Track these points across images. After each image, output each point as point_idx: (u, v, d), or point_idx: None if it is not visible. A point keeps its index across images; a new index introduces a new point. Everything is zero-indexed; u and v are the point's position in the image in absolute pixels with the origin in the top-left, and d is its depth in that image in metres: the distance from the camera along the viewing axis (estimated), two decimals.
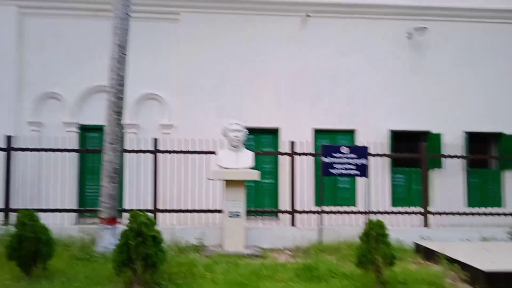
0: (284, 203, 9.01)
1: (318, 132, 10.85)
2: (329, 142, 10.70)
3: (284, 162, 9.01)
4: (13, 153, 8.49)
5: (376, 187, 9.11)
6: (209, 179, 8.34)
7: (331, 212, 8.80)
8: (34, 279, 5.44)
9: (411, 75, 11.07)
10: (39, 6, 10.64)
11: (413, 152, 9.30)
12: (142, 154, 8.78)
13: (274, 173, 10.57)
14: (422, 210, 8.96)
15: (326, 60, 10.89)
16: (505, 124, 10.97)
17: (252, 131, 9.91)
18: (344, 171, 8.34)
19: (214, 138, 8.65)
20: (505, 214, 9.34)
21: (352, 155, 8.34)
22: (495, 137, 11.25)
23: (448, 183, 9.34)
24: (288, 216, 8.75)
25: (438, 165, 10.17)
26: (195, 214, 8.65)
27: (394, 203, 9.63)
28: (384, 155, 9.18)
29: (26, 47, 10.60)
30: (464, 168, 10.53)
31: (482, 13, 11.18)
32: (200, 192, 8.70)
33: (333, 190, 9.26)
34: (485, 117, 11.00)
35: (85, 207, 9.46)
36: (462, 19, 11.19)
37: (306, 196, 8.98)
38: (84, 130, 10.60)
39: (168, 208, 8.62)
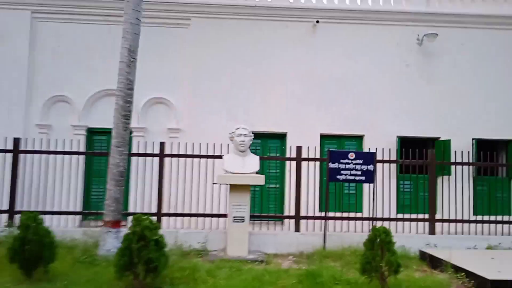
0: (289, 208, 8.96)
1: (326, 137, 10.82)
2: (337, 147, 10.68)
3: (290, 167, 8.96)
4: (20, 155, 8.54)
5: (382, 194, 9.03)
6: (214, 183, 8.33)
7: (336, 218, 8.73)
8: (36, 282, 5.46)
9: (420, 81, 11.01)
10: (52, 11, 10.79)
11: (420, 159, 9.22)
12: (148, 158, 8.79)
13: (280, 178, 10.54)
14: (428, 217, 8.86)
15: (335, 65, 10.87)
16: None
17: (259, 135, 9.93)
18: (350, 177, 8.28)
19: (222, 142, 8.65)
20: None
21: (359, 161, 8.28)
22: (505, 145, 11.13)
23: (456, 191, 9.22)
24: (292, 221, 8.70)
25: (446, 172, 10.07)
26: (199, 218, 8.63)
27: (400, 210, 9.54)
28: (392, 161, 9.09)
29: (37, 51, 10.75)
30: (472, 176, 10.42)
31: (493, 20, 11.10)
32: (205, 196, 8.69)
33: (338, 195, 9.19)
34: (494, 125, 10.89)
35: (90, 209, 9.50)
36: (472, 26, 11.11)
37: (311, 201, 8.92)
38: (92, 133, 10.68)
39: (172, 211, 8.61)
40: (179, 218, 8.70)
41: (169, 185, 8.68)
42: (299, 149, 8.82)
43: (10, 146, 8.48)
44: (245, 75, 10.78)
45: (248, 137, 7.74)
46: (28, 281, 5.47)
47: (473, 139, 10.76)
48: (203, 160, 8.84)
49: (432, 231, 8.73)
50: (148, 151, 8.88)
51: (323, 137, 10.78)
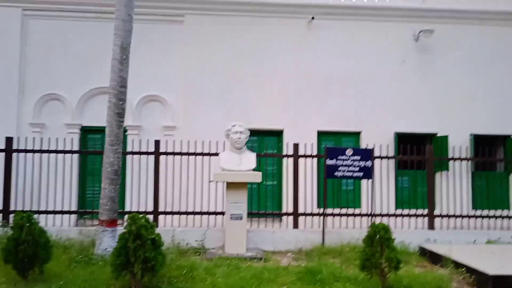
0: (287, 205, 8.88)
1: (323, 134, 10.77)
2: (334, 144, 10.62)
3: (287, 164, 8.89)
4: (14, 154, 8.42)
5: (380, 189, 8.98)
6: (211, 181, 8.25)
7: (335, 214, 8.67)
8: (31, 282, 5.36)
9: (417, 77, 10.97)
10: (43, 8, 10.66)
11: (418, 155, 9.18)
12: (143, 156, 8.69)
13: (277, 175, 10.48)
14: (427, 212, 8.82)
15: (331, 62, 10.81)
16: None
17: (256, 132, 9.85)
18: (348, 174, 8.22)
19: (218, 139, 8.56)
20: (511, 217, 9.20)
21: (357, 157, 8.22)
22: (502, 140, 11.11)
23: (454, 186, 9.19)
24: (290, 218, 8.63)
25: (444, 167, 10.04)
26: (197, 216, 8.55)
27: (399, 206, 9.49)
28: (390, 157, 9.04)
29: (29, 49, 10.62)
30: (471, 171, 10.40)
31: (489, 16, 11.08)
32: (202, 194, 8.60)
33: (337, 192, 9.13)
34: (492, 120, 10.89)
35: (86, 209, 9.40)
36: (469, 22, 11.10)
37: (309, 198, 8.85)
38: (86, 131, 10.57)
39: (169, 210, 8.52)
40: (176, 216, 8.60)
41: (165, 183, 8.57)
42: (296, 146, 8.74)
43: (2, 146, 8.35)
44: (241, 71, 10.69)
45: (244, 134, 7.67)
46: (23, 282, 5.36)
47: (470, 134, 10.73)
48: (199, 158, 8.75)
49: (431, 227, 8.69)
50: (143, 149, 8.77)
51: (320, 133, 10.72)
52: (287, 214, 8.75)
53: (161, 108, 10.74)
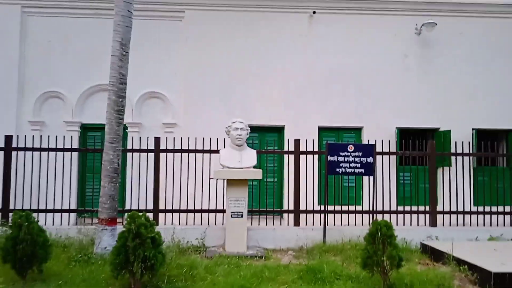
0: (288, 202, 8.83)
1: (324, 130, 10.71)
2: (335, 140, 10.56)
3: (288, 161, 8.83)
4: (13, 153, 8.38)
5: (382, 186, 8.92)
6: (211, 178, 8.20)
7: (336, 211, 8.62)
8: (30, 282, 5.32)
9: (419, 71, 10.89)
10: (42, 5, 10.61)
11: (420, 150, 9.11)
12: (143, 154, 8.65)
13: (278, 172, 10.42)
14: (429, 209, 8.76)
15: (332, 57, 10.74)
16: None
17: (256, 129, 9.80)
18: (349, 170, 8.16)
19: (218, 136, 8.52)
20: None
21: (358, 153, 8.16)
22: (505, 135, 11.03)
23: (456, 182, 9.11)
24: (291, 215, 8.58)
25: (446, 163, 9.96)
26: (197, 214, 8.50)
27: (400, 202, 9.43)
28: (392, 153, 8.98)
29: (29, 46, 10.58)
30: (473, 166, 10.33)
31: (492, 8, 10.97)
32: (202, 192, 8.55)
33: (338, 189, 9.06)
34: (494, 114, 10.81)
35: (85, 207, 9.36)
36: (472, 15, 10.99)
37: (310, 195, 8.79)
38: (86, 129, 10.53)
39: (169, 208, 8.48)
40: (176, 214, 8.56)
41: (165, 181, 8.53)
42: (297, 142, 8.68)
43: (1, 144, 8.31)
44: (242, 67, 10.62)
45: (244, 131, 7.60)
46: (21, 281, 5.33)
47: (473, 129, 10.66)
48: (199, 155, 8.70)
49: (433, 223, 8.64)
50: (143, 147, 8.72)
51: (321, 129, 10.66)
52: (288, 211, 8.70)
53: (161, 105, 10.69)
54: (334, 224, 8.61)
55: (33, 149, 8.31)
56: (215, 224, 8.45)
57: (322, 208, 8.47)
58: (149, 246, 5.11)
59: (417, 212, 8.78)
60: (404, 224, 8.69)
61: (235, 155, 7.56)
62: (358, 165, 8.16)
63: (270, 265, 6.46)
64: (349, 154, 8.16)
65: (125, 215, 7.42)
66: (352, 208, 8.75)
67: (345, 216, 8.73)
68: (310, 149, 8.93)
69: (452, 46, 10.94)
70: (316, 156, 9.11)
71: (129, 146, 9.37)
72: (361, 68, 10.74)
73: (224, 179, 7.72)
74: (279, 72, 10.67)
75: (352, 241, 7.71)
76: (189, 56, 10.64)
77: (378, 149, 8.87)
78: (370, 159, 8.17)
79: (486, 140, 9.89)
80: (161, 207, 8.46)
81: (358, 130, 10.83)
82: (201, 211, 8.44)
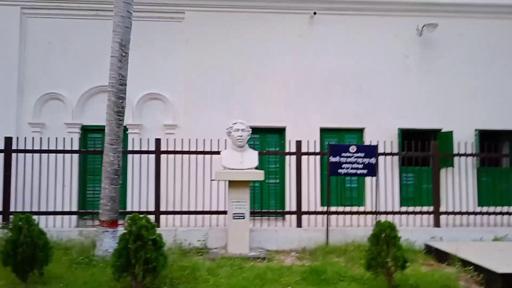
0: (290, 203, 8.77)
1: (325, 131, 10.64)
2: (337, 141, 10.49)
3: (290, 162, 8.77)
4: (13, 155, 8.32)
5: (385, 187, 8.86)
6: (212, 180, 8.14)
7: (339, 212, 8.56)
8: (30, 285, 5.27)
9: (421, 72, 10.83)
10: (42, 6, 10.53)
11: (423, 151, 9.06)
12: (144, 155, 8.59)
13: (280, 173, 10.35)
14: (433, 209, 8.70)
15: (333, 58, 10.67)
16: None
17: (257, 130, 9.73)
18: (352, 171, 8.10)
19: (220, 137, 8.46)
20: None
21: (360, 154, 8.11)
22: (507, 135, 10.97)
23: (460, 182, 9.05)
24: (294, 217, 8.52)
25: (449, 163, 9.90)
26: (199, 215, 8.44)
27: (404, 203, 9.37)
28: (394, 154, 8.92)
29: (28, 48, 10.51)
30: (476, 167, 10.26)
31: (493, 9, 10.91)
32: (204, 193, 8.49)
33: (340, 189, 9.01)
34: (497, 115, 10.73)
35: (87, 209, 9.30)
36: (473, 15, 10.91)
37: (312, 196, 8.74)
38: (87, 131, 10.47)
39: (171, 209, 8.42)
40: (178, 216, 8.50)
41: (166, 182, 8.47)
42: (298, 143, 8.62)
43: (1, 146, 8.25)
44: (242, 68, 10.57)
45: (246, 132, 7.54)
46: (22, 284, 5.27)
47: (475, 130, 10.59)
48: (200, 156, 8.63)
49: (437, 224, 8.57)
50: (144, 148, 8.67)
51: (323, 130, 10.59)
52: (290, 212, 8.64)
53: (162, 106, 10.62)
54: (337, 225, 8.55)
55: (33, 151, 8.26)
56: (217, 225, 8.38)
57: (325, 209, 8.41)
58: (150, 248, 5.06)
59: (421, 213, 8.72)
60: (407, 225, 8.63)
61: (236, 156, 7.51)
62: (361, 166, 8.11)
63: (273, 266, 6.41)
64: (351, 155, 8.11)
65: (126, 217, 7.36)
66: (354, 209, 8.70)
67: (347, 217, 8.67)
68: (311, 150, 8.87)
69: (454, 47, 10.88)
70: (318, 157, 9.06)
71: (129, 148, 9.30)
72: (362, 68, 10.68)
73: (225, 181, 7.65)
74: (280, 73, 10.62)
75: (355, 242, 7.65)
76: (189, 57, 10.59)
77: (380, 150, 8.81)
78: (373, 160, 8.12)
79: (489, 141, 9.82)
80: (163, 208, 8.40)
81: (359, 131, 10.77)
82: (203, 212, 8.38)
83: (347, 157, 8.10)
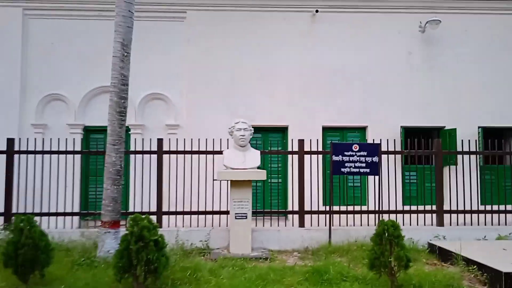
0: (292, 203, 8.74)
1: (328, 130, 10.62)
2: (339, 139, 10.46)
3: (292, 161, 8.73)
4: (15, 156, 8.32)
5: (388, 186, 8.81)
6: (214, 180, 8.12)
7: (341, 212, 8.52)
8: (32, 287, 5.25)
9: (424, 69, 10.79)
10: (44, 7, 10.57)
11: (426, 149, 9.00)
12: (146, 155, 8.57)
13: (282, 172, 10.33)
14: (436, 208, 8.64)
15: (335, 56, 10.65)
16: None
17: (260, 129, 9.71)
18: (354, 170, 8.06)
19: (222, 137, 8.44)
20: None
21: (363, 153, 8.06)
22: (511, 132, 10.89)
23: (462, 180, 8.99)
24: (296, 216, 8.49)
25: (452, 162, 9.84)
26: (201, 216, 8.42)
27: (406, 202, 9.31)
28: (397, 152, 8.87)
29: (31, 49, 10.54)
30: (479, 165, 10.20)
31: (497, 5, 10.87)
32: (206, 193, 8.46)
33: (343, 189, 8.96)
34: (500, 112, 10.68)
35: (88, 210, 9.30)
36: (476, 12, 10.88)
37: (315, 195, 8.70)
38: (89, 131, 10.47)
39: (173, 210, 8.40)
40: (179, 216, 8.49)
41: (168, 183, 8.45)
42: (301, 142, 8.58)
43: (4, 147, 8.25)
44: (244, 68, 10.55)
45: (248, 131, 7.52)
46: (23, 286, 5.26)
47: (479, 127, 10.52)
48: (202, 156, 8.61)
49: (440, 223, 8.51)
50: (146, 149, 8.65)
51: (325, 129, 10.57)
52: (293, 212, 8.60)
53: (164, 106, 10.61)
54: (340, 225, 8.52)
55: (35, 152, 8.25)
56: (219, 225, 8.35)
57: (327, 208, 8.37)
58: (152, 249, 5.04)
59: (424, 212, 8.66)
60: (410, 224, 8.57)
61: (238, 155, 7.49)
62: (363, 164, 8.06)
63: (275, 266, 6.38)
64: (354, 153, 8.07)
65: (128, 218, 7.35)
66: (357, 208, 8.65)
67: (350, 216, 8.63)
68: (314, 149, 8.83)
69: (457, 44, 10.82)
70: (320, 156, 9.01)
71: (131, 148, 9.30)
72: (365, 66, 10.64)
73: (228, 180, 7.63)
74: (282, 72, 10.59)
75: (358, 241, 7.62)
76: (191, 57, 10.57)
77: (383, 148, 8.75)
78: (376, 159, 8.07)
79: (492, 138, 9.75)
80: (165, 209, 8.39)
81: (362, 130, 10.73)
82: (205, 212, 8.35)
83: (350, 155, 8.06)
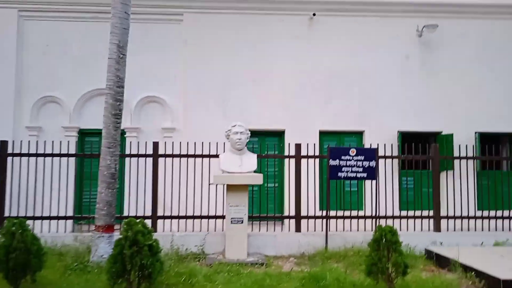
0: (289, 207, 8.67)
1: (325, 134, 10.56)
2: (337, 144, 10.41)
3: (289, 165, 8.67)
4: (9, 158, 8.21)
5: (385, 191, 8.76)
6: (210, 184, 8.04)
7: (338, 217, 8.46)
8: None
9: (421, 73, 10.77)
10: (40, 9, 10.49)
11: (423, 154, 8.97)
12: (142, 159, 8.48)
13: (278, 177, 10.26)
14: (433, 214, 8.59)
15: (332, 60, 10.61)
16: None
17: (256, 133, 9.63)
18: (351, 174, 8.01)
19: (218, 140, 8.36)
20: None
21: (360, 157, 8.02)
22: (508, 138, 10.88)
23: (461, 186, 8.95)
24: (293, 221, 8.41)
25: (449, 167, 9.81)
26: (196, 220, 8.33)
27: (403, 207, 9.28)
28: (394, 157, 8.82)
29: (26, 50, 10.46)
30: (476, 170, 10.15)
31: (494, 9, 10.85)
32: (201, 198, 8.38)
33: (339, 193, 8.90)
34: (497, 117, 10.65)
35: (83, 214, 9.19)
36: (473, 16, 10.85)
37: (311, 200, 8.64)
38: (84, 134, 10.38)
39: (168, 214, 8.32)
40: (175, 220, 8.40)
41: (164, 186, 8.36)
42: (298, 146, 8.53)
43: None
44: (241, 71, 10.50)
45: (244, 135, 7.46)
46: None
47: (475, 132, 10.50)
48: (198, 160, 8.54)
49: (437, 228, 8.47)
50: (142, 152, 8.57)
51: (322, 133, 10.52)
52: (289, 217, 8.51)
53: (160, 109, 10.54)
54: (336, 230, 8.43)
55: (29, 155, 8.15)
56: (215, 230, 8.28)
57: (324, 213, 8.31)
58: (146, 254, 4.98)
59: (421, 217, 8.61)
60: (407, 229, 8.52)
61: (235, 159, 7.43)
62: (360, 169, 8.02)
63: (271, 272, 6.31)
64: (351, 158, 8.02)
65: (123, 222, 7.26)
66: (354, 213, 8.59)
67: (347, 221, 8.56)
68: (311, 153, 8.79)
69: (454, 48, 10.80)
70: (317, 161, 8.97)
71: (127, 152, 9.21)
72: (361, 71, 10.61)
73: (224, 184, 7.55)
74: (279, 75, 10.54)
75: (355, 247, 7.56)
76: (188, 60, 10.51)
77: (380, 153, 8.71)
78: (373, 163, 8.03)
79: (489, 143, 9.72)
80: (160, 213, 8.30)
81: (359, 134, 10.69)
82: (201, 217, 8.27)
83: (347, 160, 8.01)
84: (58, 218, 8.11)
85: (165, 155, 8.38)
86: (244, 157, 7.50)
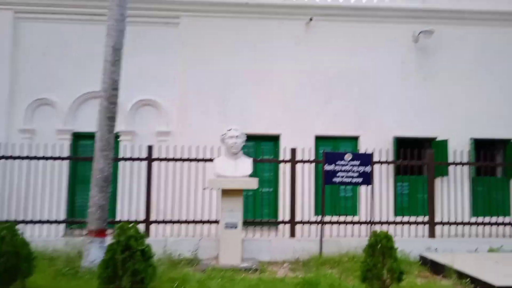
0: (283, 212, 8.62)
1: (320, 139, 10.54)
2: (332, 149, 10.37)
3: (284, 170, 8.64)
4: (1, 161, 8.13)
5: (380, 196, 8.73)
6: (205, 188, 7.98)
7: (333, 222, 8.41)
8: None
9: (417, 79, 10.78)
10: (35, 10, 10.44)
11: (418, 159, 8.95)
12: (136, 162, 8.41)
13: (273, 181, 10.21)
14: (427, 219, 8.57)
15: (329, 65, 10.62)
16: None
17: (252, 137, 9.59)
18: (347, 180, 7.97)
19: (213, 144, 8.32)
20: None
21: (356, 163, 7.99)
22: (503, 144, 10.90)
23: (455, 192, 8.94)
24: (287, 226, 8.36)
25: (444, 172, 9.80)
26: (190, 225, 8.26)
27: (398, 213, 9.25)
28: (389, 162, 8.80)
29: (20, 52, 10.40)
30: (470, 176, 10.17)
31: (490, 16, 10.90)
32: (195, 202, 8.32)
33: (334, 199, 8.87)
34: (491, 124, 10.67)
35: (75, 218, 9.10)
36: (469, 22, 10.90)
37: (306, 205, 8.60)
38: (78, 137, 10.29)
39: (161, 219, 8.24)
40: (168, 225, 8.32)
41: (157, 191, 8.29)
42: (293, 151, 8.49)
43: None
44: (237, 75, 10.47)
45: (240, 139, 7.40)
46: None
47: (470, 138, 10.51)
48: (193, 164, 8.48)
49: (432, 234, 8.43)
50: (136, 155, 8.50)
51: (318, 138, 10.49)
52: (284, 222, 8.46)
53: (155, 113, 10.48)
54: (331, 235, 8.39)
55: (21, 158, 8.06)
56: (209, 235, 8.21)
57: (319, 218, 8.26)
58: (139, 259, 4.88)
59: (416, 223, 8.58)
60: (402, 235, 8.49)
61: (230, 163, 7.37)
62: (356, 174, 7.99)
63: (266, 278, 6.25)
64: (346, 163, 7.99)
65: (115, 227, 7.18)
66: (349, 218, 8.55)
67: (342, 227, 8.52)
68: (306, 158, 8.75)
69: (450, 54, 10.83)
70: (312, 165, 8.93)
71: (121, 155, 9.14)
72: (358, 76, 10.62)
73: (218, 189, 7.49)
74: (275, 79, 10.52)
75: (350, 252, 7.49)
76: (184, 63, 10.47)
77: (375, 158, 8.69)
78: (368, 168, 8.00)
79: (484, 149, 9.74)
80: (153, 218, 8.22)
81: (355, 139, 10.67)
82: (194, 222, 8.20)
83: (342, 165, 7.98)
84: (49, 222, 8.02)
85: (159, 159, 8.32)
86: (239, 161, 7.45)
